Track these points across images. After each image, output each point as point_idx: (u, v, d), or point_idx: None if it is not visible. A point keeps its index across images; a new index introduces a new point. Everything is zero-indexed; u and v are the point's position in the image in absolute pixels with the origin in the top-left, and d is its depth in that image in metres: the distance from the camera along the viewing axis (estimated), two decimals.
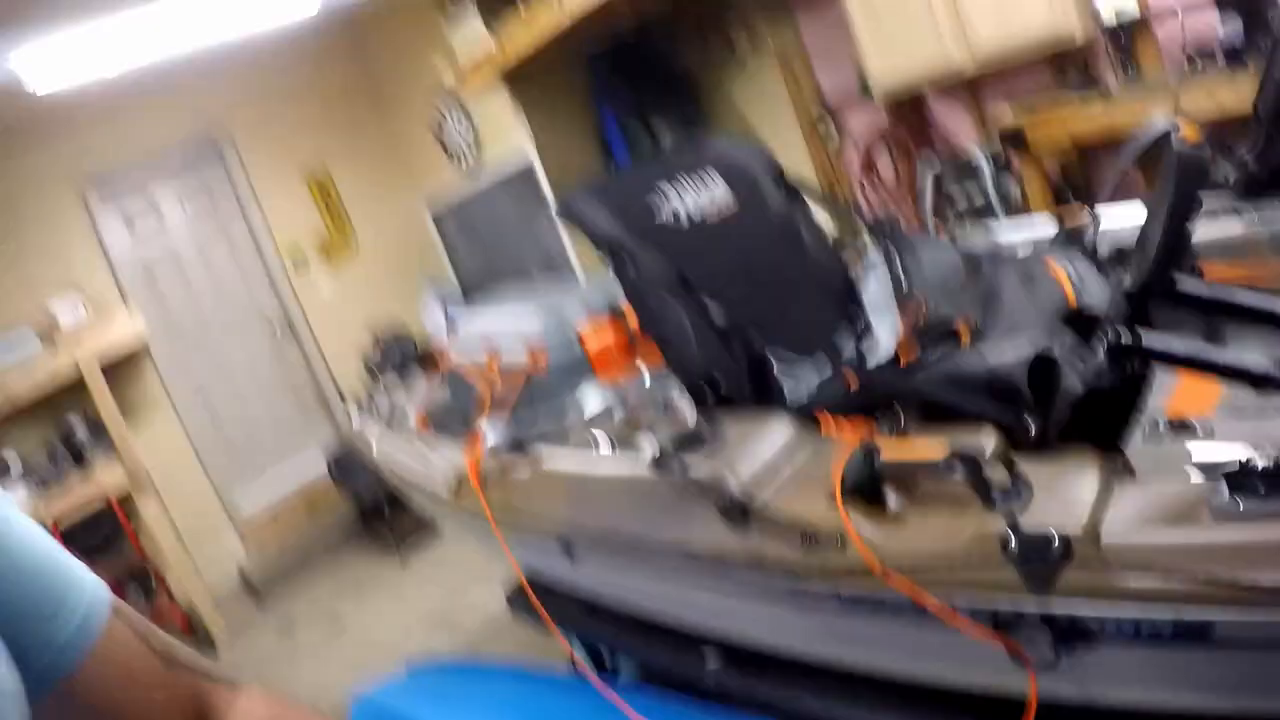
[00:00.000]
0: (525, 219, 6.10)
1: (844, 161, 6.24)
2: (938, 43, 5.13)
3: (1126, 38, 4.95)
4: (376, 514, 5.93)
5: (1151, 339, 1.64)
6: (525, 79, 5.80)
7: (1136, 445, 1.60)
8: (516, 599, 3.08)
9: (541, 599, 2.72)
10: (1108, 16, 4.90)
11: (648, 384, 2.70)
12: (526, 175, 5.99)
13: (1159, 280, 1.64)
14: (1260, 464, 1.35)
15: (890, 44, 5.36)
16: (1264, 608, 1.32)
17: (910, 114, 5.92)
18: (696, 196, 2.65)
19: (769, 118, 6.27)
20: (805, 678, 2.08)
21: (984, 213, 5.15)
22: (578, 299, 3.24)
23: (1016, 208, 5.01)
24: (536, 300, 3.50)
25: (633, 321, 2.81)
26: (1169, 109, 3.57)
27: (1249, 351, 1.69)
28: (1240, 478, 1.37)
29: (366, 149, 7.19)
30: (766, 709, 2.18)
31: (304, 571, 6.15)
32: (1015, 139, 4.87)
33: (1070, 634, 1.52)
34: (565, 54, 5.72)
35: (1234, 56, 4.03)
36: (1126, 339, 1.63)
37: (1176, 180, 1.65)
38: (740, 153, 2.90)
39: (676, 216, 2.60)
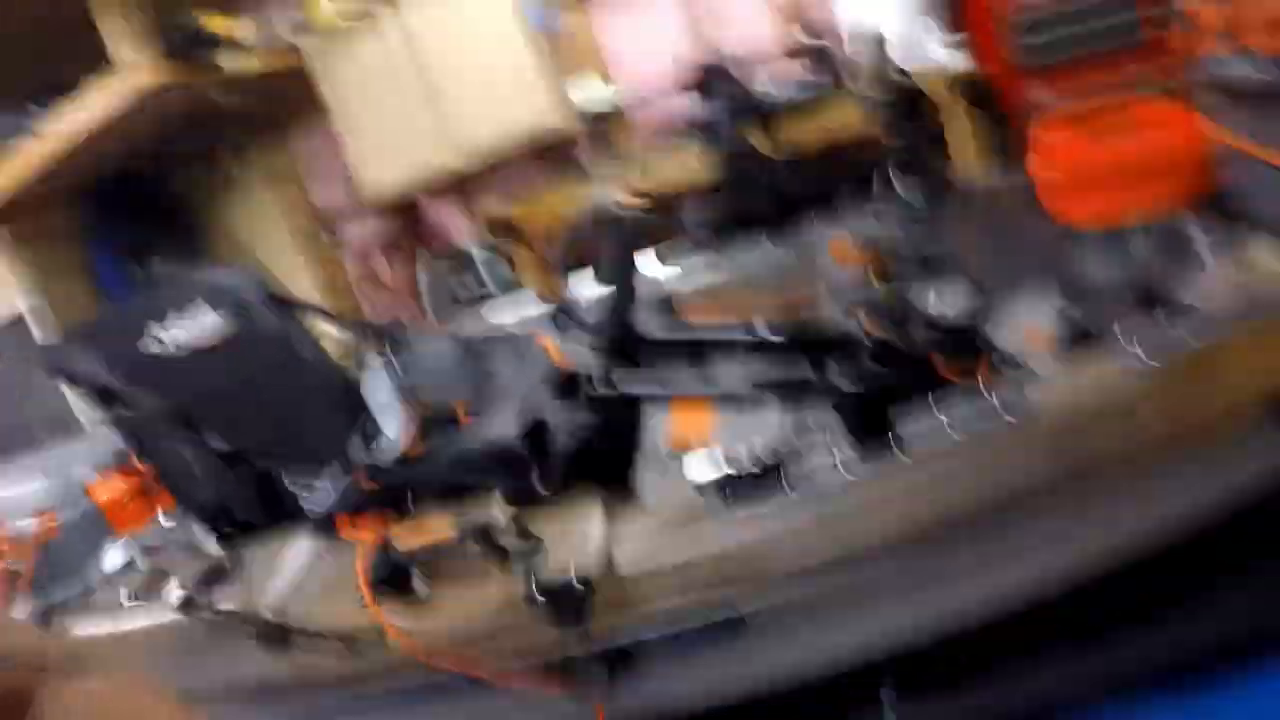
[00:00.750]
0: (22, 376, 5.57)
1: (346, 270, 6.26)
2: (425, 147, 5.35)
3: (605, 124, 5.39)
4: None
5: (627, 384, 1.74)
6: (12, 222, 5.34)
7: (642, 477, 1.73)
8: None
9: None
10: (588, 105, 5.33)
11: (166, 527, 2.54)
12: (19, 327, 5.49)
13: (619, 331, 1.76)
14: (745, 468, 1.46)
15: (380, 153, 5.52)
16: (778, 585, 1.48)
17: (405, 216, 6.08)
18: (186, 328, 2.54)
19: (267, 237, 6.18)
20: None
21: (483, 300, 5.35)
22: (85, 453, 3.02)
23: (513, 290, 5.22)
24: (40, 462, 3.22)
25: (144, 467, 2.65)
26: (644, 182, 3.97)
27: (728, 374, 1.85)
28: (730, 484, 1.51)
29: None
30: None
31: None
32: (507, 228, 5.07)
33: (620, 661, 1.60)
34: (54, 193, 5.32)
35: (705, 131, 4.48)
36: (604, 390, 1.71)
37: (615, 242, 1.83)
38: (227, 278, 2.81)
39: (167, 351, 2.48)
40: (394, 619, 1.62)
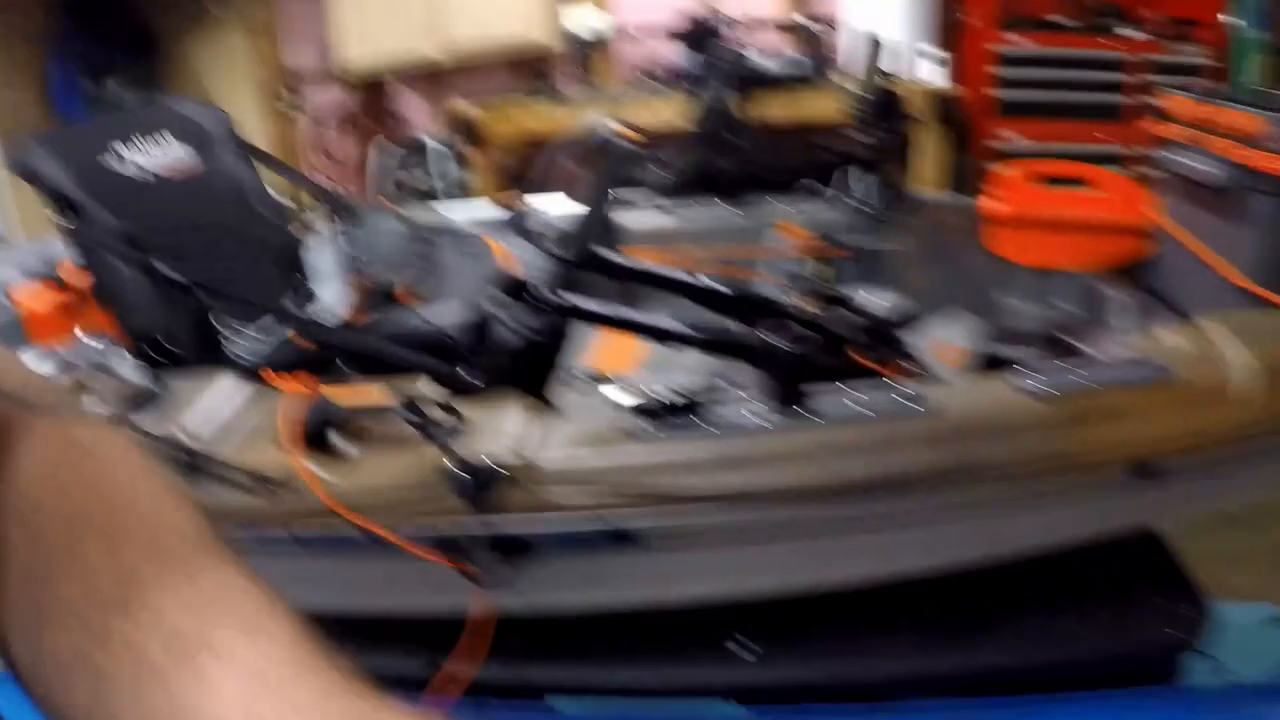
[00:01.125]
0: None
1: (302, 134, 6.28)
2: (412, 33, 5.44)
3: (590, 52, 5.55)
4: None
5: (576, 300, 1.90)
6: None
7: (563, 393, 1.87)
8: None
9: None
10: (576, 30, 5.47)
11: (91, 346, 2.61)
12: None
13: (586, 250, 1.92)
14: (665, 399, 1.63)
15: (362, 26, 5.58)
16: (675, 510, 1.65)
17: (371, 96, 6.16)
18: (153, 155, 2.61)
19: (230, 85, 6.14)
20: None
21: (434, 196, 5.47)
22: (11, 261, 3.05)
23: (466, 193, 5.35)
24: None
25: (76, 282, 2.71)
26: (616, 117, 4.15)
27: (660, 315, 2.02)
28: (649, 410, 1.69)
29: None
30: None
31: None
32: (471, 131, 5.19)
33: (515, 550, 1.75)
34: None
35: (686, 83, 4.63)
36: (555, 300, 1.86)
37: (607, 168, 2.02)
38: (200, 115, 2.88)
39: (131, 174, 2.55)
40: (313, 469, 1.73)
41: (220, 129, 2.87)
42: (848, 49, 5.58)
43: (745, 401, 1.73)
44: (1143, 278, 2.70)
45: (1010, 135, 5.52)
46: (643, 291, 2.36)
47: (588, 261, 1.95)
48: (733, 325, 1.89)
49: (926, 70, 5.19)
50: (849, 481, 1.62)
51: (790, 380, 1.66)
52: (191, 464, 1.82)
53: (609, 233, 2.69)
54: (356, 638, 1.83)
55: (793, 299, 2.06)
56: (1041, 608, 2.05)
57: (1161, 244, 2.62)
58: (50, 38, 5.60)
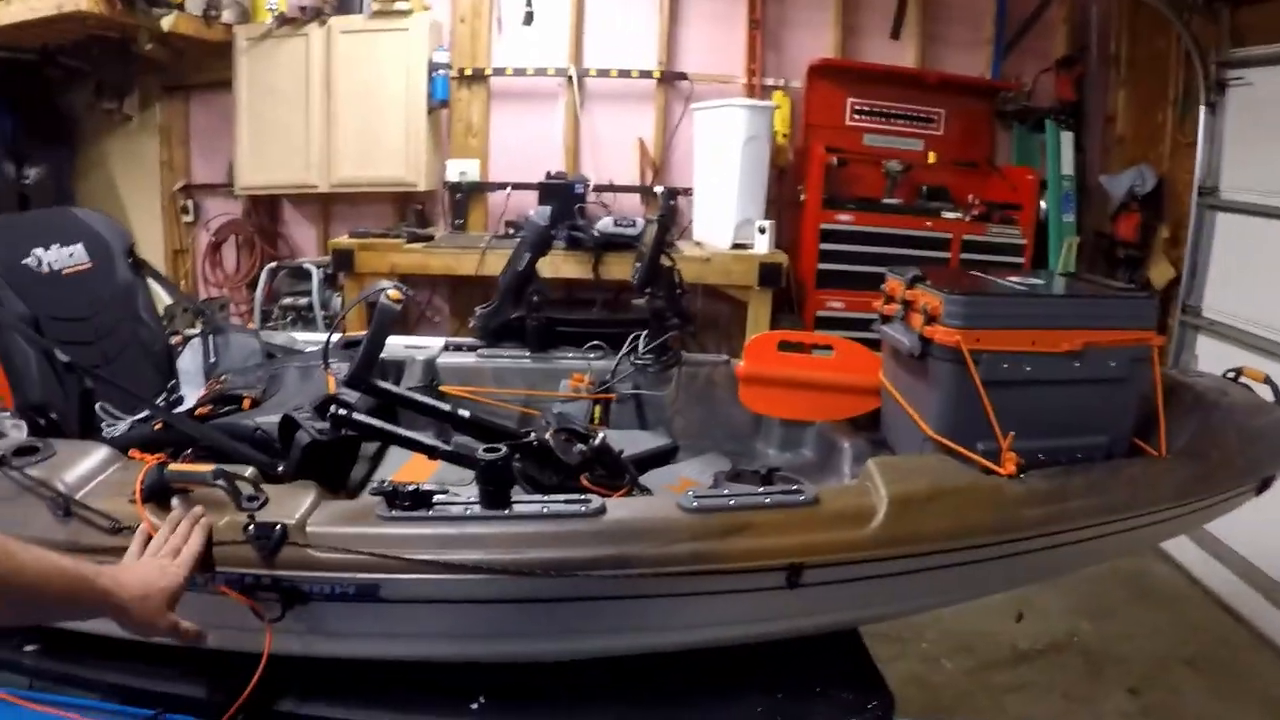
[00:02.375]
0: None
1: (194, 240, 6.97)
2: (304, 162, 6.23)
3: (464, 198, 6.27)
4: None
5: (358, 417, 2.69)
6: None
7: (366, 494, 2.59)
8: None
9: None
10: (451, 175, 6.23)
11: None
12: None
13: (361, 379, 2.77)
14: (406, 490, 2.38)
15: (264, 149, 6.31)
16: (412, 573, 2.27)
17: (265, 215, 6.84)
18: (59, 256, 3.28)
19: (137, 181, 6.81)
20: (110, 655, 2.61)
21: (306, 315, 6.12)
22: None
23: (334, 317, 5.99)
24: None
25: None
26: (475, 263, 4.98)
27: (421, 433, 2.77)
28: (398, 497, 2.39)
29: None
30: (88, 686, 2.63)
31: None
32: (346, 260, 5.90)
33: (294, 597, 2.33)
34: None
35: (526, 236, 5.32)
36: (340, 415, 2.65)
37: (377, 320, 2.78)
38: (101, 225, 3.57)
39: (39, 268, 3.19)
40: (151, 517, 2.31)
41: (120, 243, 3.58)
42: (699, 217, 6.43)
43: (469, 498, 2.42)
44: (865, 427, 3.45)
45: (834, 302, 6.39)
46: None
47: (362, 387, 2.77)
48: (473, 443, 2.65)
49: (760, 241, 6.01)
50: (529, 563, 2.29)
51: (497, 487, 2.39)
52: (66, 507, 2.40)
53: (417, 370, 3.53)
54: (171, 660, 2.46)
55: (548, 428, 2.81)
56: (736, 691, 2.62)
57: (884, 399, 3.36)
58: None
